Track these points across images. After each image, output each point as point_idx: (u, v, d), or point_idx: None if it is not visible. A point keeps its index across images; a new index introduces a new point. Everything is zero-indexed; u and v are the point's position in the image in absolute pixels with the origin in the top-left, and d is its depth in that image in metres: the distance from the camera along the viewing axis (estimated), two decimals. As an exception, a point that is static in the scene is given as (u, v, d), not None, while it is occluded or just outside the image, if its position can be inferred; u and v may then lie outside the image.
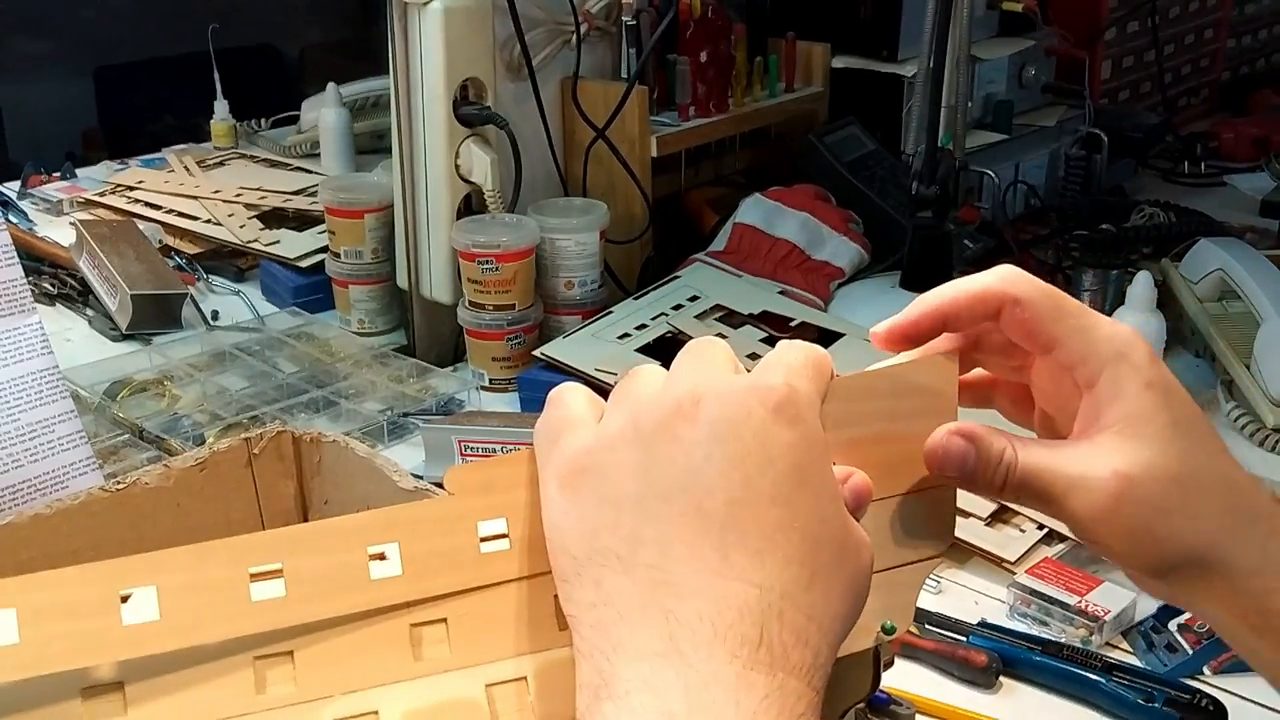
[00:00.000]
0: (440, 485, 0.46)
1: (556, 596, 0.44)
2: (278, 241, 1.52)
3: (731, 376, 0.42)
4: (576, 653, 0.40)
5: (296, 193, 1.62)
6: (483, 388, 1.30)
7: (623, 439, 0.41)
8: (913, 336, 0.49)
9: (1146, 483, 0.46)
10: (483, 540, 0.44)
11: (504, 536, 0.44)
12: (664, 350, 1.25)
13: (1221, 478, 0.47)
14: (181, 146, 1.81)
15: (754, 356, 1.23)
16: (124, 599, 0.41)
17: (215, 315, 1.41)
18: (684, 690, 0.37)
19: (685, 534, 0.39)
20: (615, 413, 0.43)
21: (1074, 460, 0.47)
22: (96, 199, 1.65)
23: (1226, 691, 0.84)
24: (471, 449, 1.09)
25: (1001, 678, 0.88)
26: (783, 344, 0.45)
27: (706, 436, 0.40)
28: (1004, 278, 0.48)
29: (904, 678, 0.87)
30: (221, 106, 1.78)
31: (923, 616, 0.92)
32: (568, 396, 0.45)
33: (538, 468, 0.44)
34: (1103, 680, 0.84)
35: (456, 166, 1.29)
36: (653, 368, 0.45)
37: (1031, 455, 0.47)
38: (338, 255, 1.39)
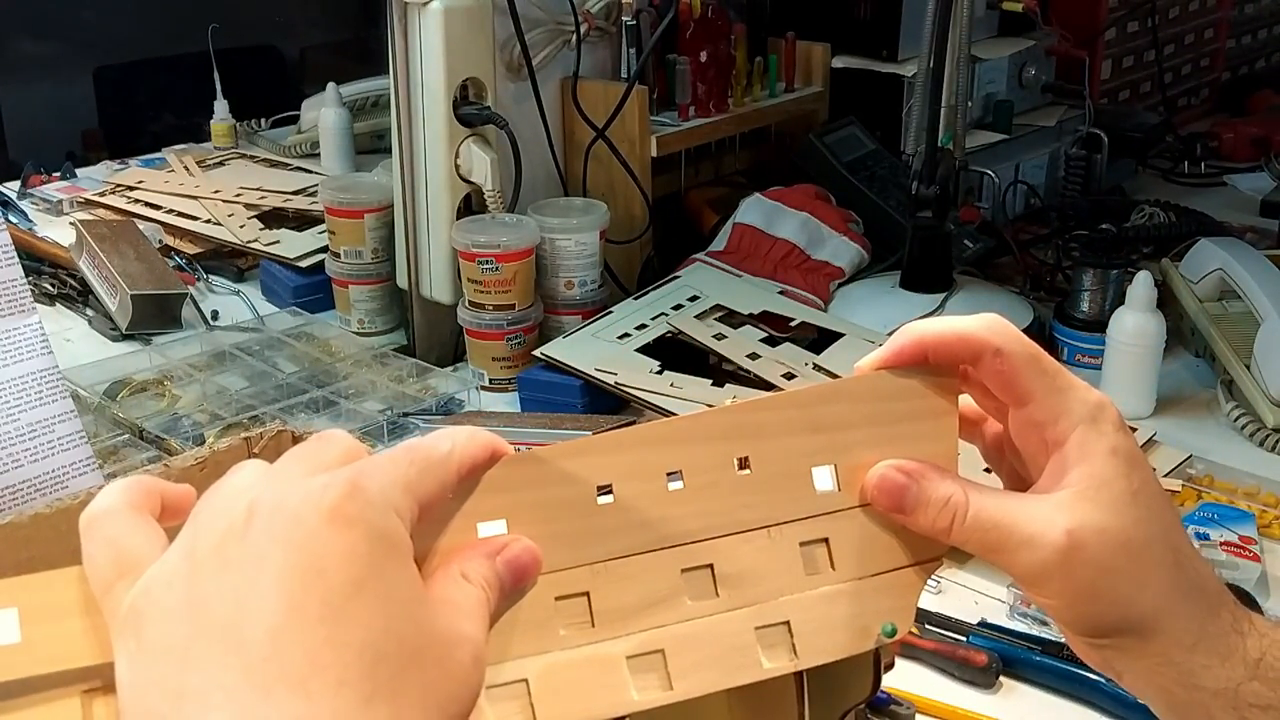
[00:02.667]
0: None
1: (557, 597, 0.44)
2: (278, 241, 1.52)
3: (297, 484, 0.38)
4: None
5: (296, 193, 1.62)
6: (483, 388, 1.30)
7: (179, 573, 0.37)
8: (896, 367, 0.49)
9: (1096, 545, 0.46)
10: (483, 542, 0.44)
11: (504, 538, 0.44)
12: (664, 350, 1.25)
13: (1172, 552, 0.47)
14: (181, 146, 1.80)
15: (754, 356, 1.23)
16: None
17: (215, 315, 1.41)
18: None
19: (226, 677, 0.35)
20: (180, 538, 0.39)
21: (1029, 515, 0.47)
22: (96, 199, 1.65)
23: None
24: (471, 449, 1.09)
25: (1001, 678, 0.88)
26: (398, 446, 0.41)
27: (253, 557, 0.36)
28: (989, 326, 0.48)
29: (904, 678, 0.87)
30: (221, 106, 1.78)
31: (923, 617, 0.92)
32: (107, 531, 0.40)
33: (105, 616, 0.39)
34: (1102, 680, 0.84)
35: (456, 166, 1.29)
36: (245, 470, 0.40)
37: (986, 505, 0.47)
38: (338, 255, 1.39)
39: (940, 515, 0.47)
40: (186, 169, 1.72)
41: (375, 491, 0.38)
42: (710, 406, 0.48)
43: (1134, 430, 1.15)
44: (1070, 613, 0.48)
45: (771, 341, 1.27)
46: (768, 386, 1.19)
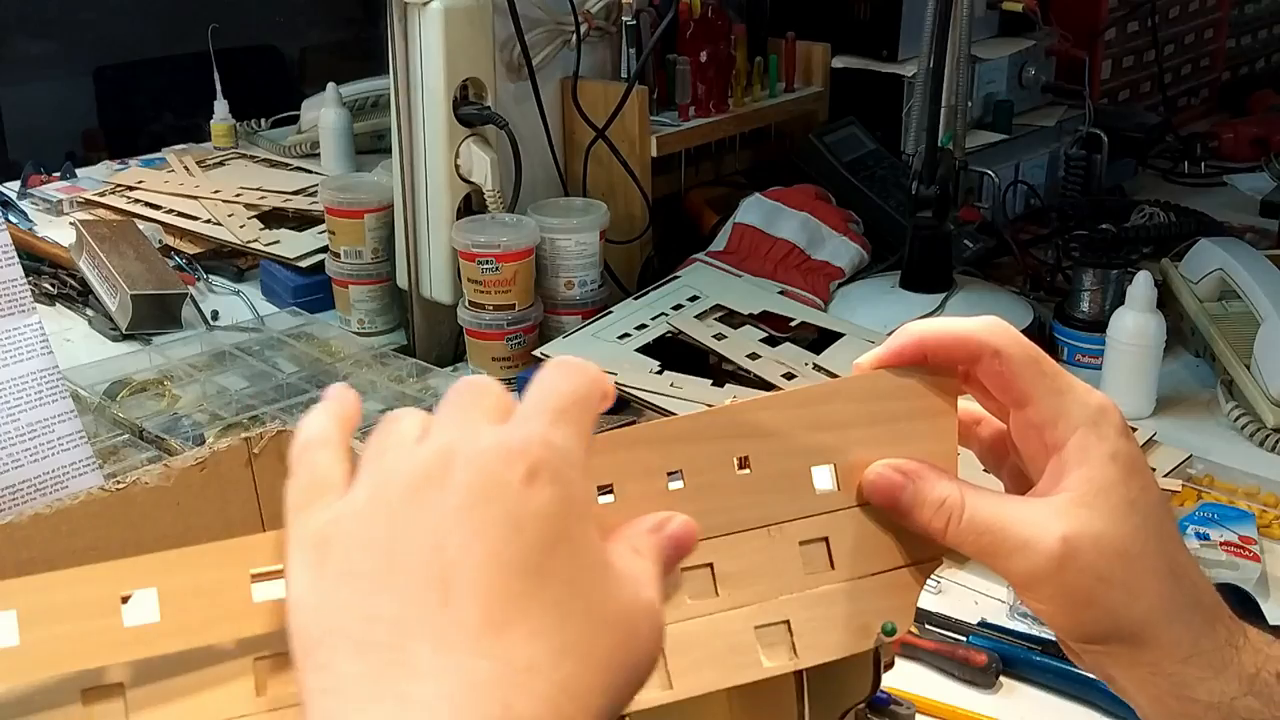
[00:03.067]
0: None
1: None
2: (278, 241, 1.52)
3: (487, 433, 0.39)
4: None
5: (296, 193, 1.62)
6: (482, 388, 1.29)
7: (369, 508, 0.39)
8: (896, 366, 0.49)
9: (1092, 552, 0.46)
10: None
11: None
12: (664, 350, 1.25)
13: (1168, 562, 0.47)
14: (181, 146, 1.81)
15: (754, 357, 1.23)
16: (124, 600, 0.41)
17: (215, 315, 1.41)
18: None
19: (423, 610, 0.37)
20: (364, 476, 0.40)
21: (1024, 519, 0.47)
22: (96, 199, 1.65)
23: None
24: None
25: (1001, 677, 0.88)
26: (549, 368, 0.42)
27: (454, 505, 0.38)
28: (989, 327, 0.48)
29: (904, 678, 0.87)
30: (221, 106, 1.79)
31: (923, 616, 0.92)
32: (316, 456, 0.42)
33: (287, 538, 0.41)
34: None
35: (456, 166, 1.29)
36: (411, 416, 0.41)
37: (981, 508, 0.47)
38: (338, 255, 1.39)
39: (936, 516, 0.47)
40: (186, 169, 1.72)
41: (565, 450, 0.40)
42: (710, 406, 0.47)
43: (1134, 430, 1.16)
44: (1063, 618, 0.48)
45: (771, 341, 1.27)
46: (768, 386, 1.19)
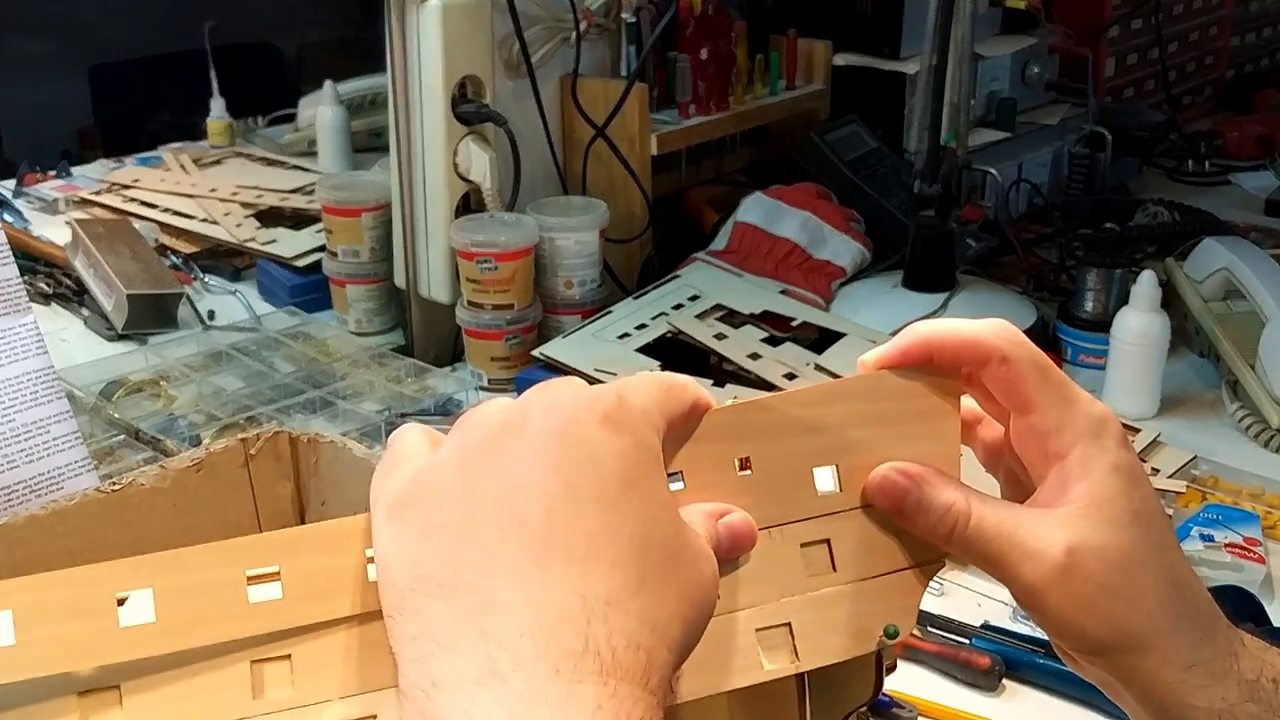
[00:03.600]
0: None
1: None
2: (274, 240, 1.52)
3: (566, 392, 0.41)
4: (400, 694, 0.38)
5: (293, 191, 1.62)
6: (481, 388, 1.29)
7: (449, 463, 0.40)
8: (900, 366, 0.49)
9: (1095, 563, 0.46)
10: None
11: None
12: (664, 350, 1.24)
13: (1168, 571, 0.48)
14: (178, 145, 1.81)
15: (754, 357, 1.23)
16: (120, 601, 0.41)
17: (211, 315, 1.41)
18: (507, 718, 0.35)
19: (504, 550, 0.38)
20: (447, 441, 0.42)
21: (1029, 530, 0.47)
22: (92, 198, 1.65)
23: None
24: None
25: (1004, 680, 0.88)
26: (639, 373, 0.44)
27: (530, 449, 0.39)
28: (998, 332, 0.48)
29: (906, 680, 0.87)
30: (218, 104, 1.79)
31: (925, 619, 0.92)
32: (405, 437, 0.44)
33: (371, 506, 0.42)
34: (1107, 683, 0.83)
35: (455, 165, 1.29)
36: (498, 400, 0.43)
37: (987, 516, 0.47)
38: (335, 254, 1.39)
39: (940, 522, 0.47)
40: (183, 167, 1.71)
41: (639, 406, 0.41)
42: (710, 406, 0.47)
43: (1138, 431, 1.15)
44: (1065, 628, 0.48)
45: (772, 341, 1.26)
46: (769, 386, 1.18)
